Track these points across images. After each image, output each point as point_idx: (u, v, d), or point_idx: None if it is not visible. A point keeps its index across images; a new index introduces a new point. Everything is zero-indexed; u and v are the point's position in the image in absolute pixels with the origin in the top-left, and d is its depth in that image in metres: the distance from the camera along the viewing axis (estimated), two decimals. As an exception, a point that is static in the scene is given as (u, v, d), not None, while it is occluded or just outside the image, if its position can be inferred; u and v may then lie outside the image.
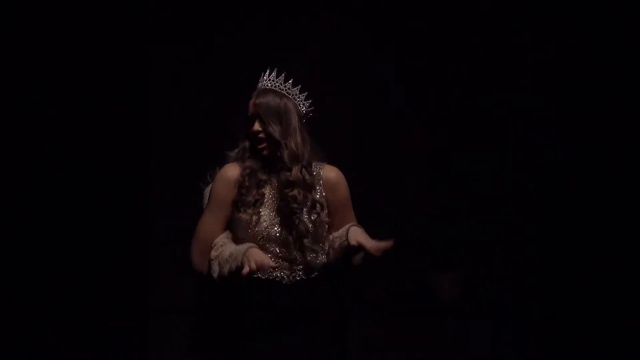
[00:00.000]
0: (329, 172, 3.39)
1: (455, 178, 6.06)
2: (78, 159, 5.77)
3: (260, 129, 3.32)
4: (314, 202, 3.32)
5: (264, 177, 3.33)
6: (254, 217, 3.29)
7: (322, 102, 3.51)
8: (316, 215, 3.31)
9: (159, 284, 5.86)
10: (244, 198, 3.30)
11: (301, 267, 3.29)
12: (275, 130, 3.32)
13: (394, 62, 6.07)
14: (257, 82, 3.42)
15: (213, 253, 3.30)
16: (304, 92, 3.42)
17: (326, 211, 3.34)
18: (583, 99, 6.01)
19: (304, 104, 3.41)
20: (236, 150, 3.46)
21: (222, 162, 3.45)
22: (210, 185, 3.46)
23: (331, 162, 3.44)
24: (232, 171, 3.36)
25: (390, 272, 5.67)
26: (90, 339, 5.71)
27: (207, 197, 3.45)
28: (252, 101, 3.36)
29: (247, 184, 3.32)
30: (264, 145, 3.33)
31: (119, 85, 5.85)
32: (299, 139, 3.34)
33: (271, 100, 3.34)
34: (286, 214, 3.29)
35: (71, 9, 5.79)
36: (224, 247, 3.28)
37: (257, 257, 3.16)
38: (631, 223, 5.86)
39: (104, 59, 5.83)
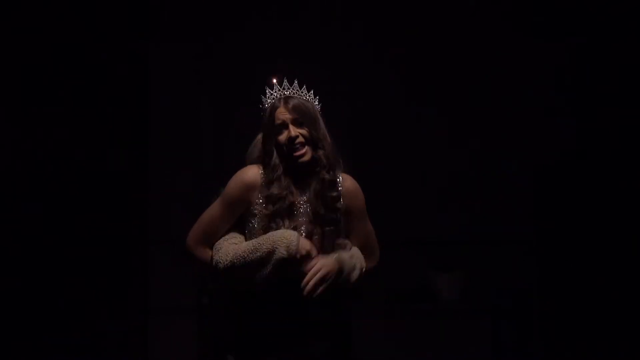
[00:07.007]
0: (348, 181, 3.33)
1: (456, 178, 6.06)
2: (78, 159, 5.77)
3: (298, 133, 3.22)
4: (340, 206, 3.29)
5: (291, 200, 3.24)
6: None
7: (322, 103, 3.50)
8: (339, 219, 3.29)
9: (159, 284, 5.86)
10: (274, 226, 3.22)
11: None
12: (316, 131, 3.23)
13: (394, 62, 6.07)
14: (267, 95, 3.32)
15: (224, 243, 3.23)
16: (317, 97, 3.38)
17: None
18: (583, 99, 6.01)
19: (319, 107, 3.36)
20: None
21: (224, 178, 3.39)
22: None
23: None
24: (251, 175, 3.27)
25: (390, 272, 5.67)
26: (90, 339, 5.71)
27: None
28: (279, 110, 3.24)
29: (277, 209, 3.23)
30: (303, 151, 3.23)
31: (119, 85, 5.86)
32: (329, 141, 3.30)
33: (302, 103, 3.25)
34: (318, 218, 3.24)
35: (71, 9, 5.79)
36: (240, 243, 3.22)
37: (306, 246, 3.13)
38: (631, 223, 5.87)
39: (104, 59, 5.83)
